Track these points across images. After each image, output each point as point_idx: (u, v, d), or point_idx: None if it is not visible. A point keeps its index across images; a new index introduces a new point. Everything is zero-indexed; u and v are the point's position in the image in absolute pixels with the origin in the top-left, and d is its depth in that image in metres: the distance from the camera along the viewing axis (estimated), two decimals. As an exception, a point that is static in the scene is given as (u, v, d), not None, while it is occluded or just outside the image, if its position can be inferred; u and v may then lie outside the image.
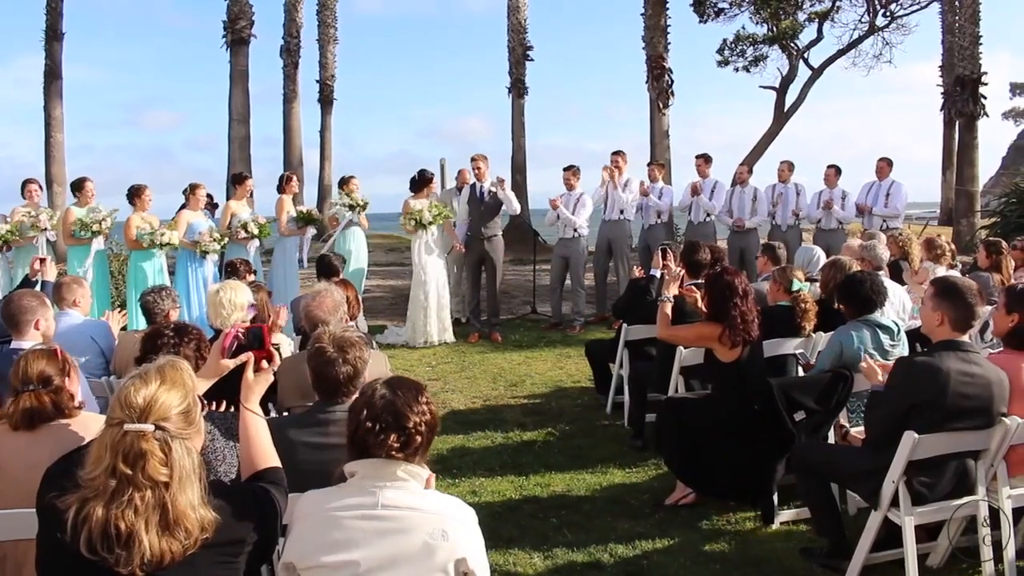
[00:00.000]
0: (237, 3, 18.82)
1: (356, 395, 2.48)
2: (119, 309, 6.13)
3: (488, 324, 10.39)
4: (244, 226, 9.50)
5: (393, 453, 2.31)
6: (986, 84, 17.47)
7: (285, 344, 5.26)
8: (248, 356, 2.66)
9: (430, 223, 9.82)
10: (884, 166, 11.14)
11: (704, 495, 5.09)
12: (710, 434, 4.89)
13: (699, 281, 5.96)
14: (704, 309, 5.29)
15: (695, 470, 5.02)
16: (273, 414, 3.96)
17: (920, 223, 20.72)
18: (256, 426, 2.57)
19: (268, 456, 2.54)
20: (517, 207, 10.41)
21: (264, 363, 2.67)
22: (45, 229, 9.06)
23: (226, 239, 9.47)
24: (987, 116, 17.67)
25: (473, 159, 10.17)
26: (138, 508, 1.99)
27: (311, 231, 10.34)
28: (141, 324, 6.06)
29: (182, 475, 2.04)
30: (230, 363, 2.72)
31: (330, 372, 3.24)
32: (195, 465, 2.09)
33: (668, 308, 5.32)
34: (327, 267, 7.22)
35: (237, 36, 18.89)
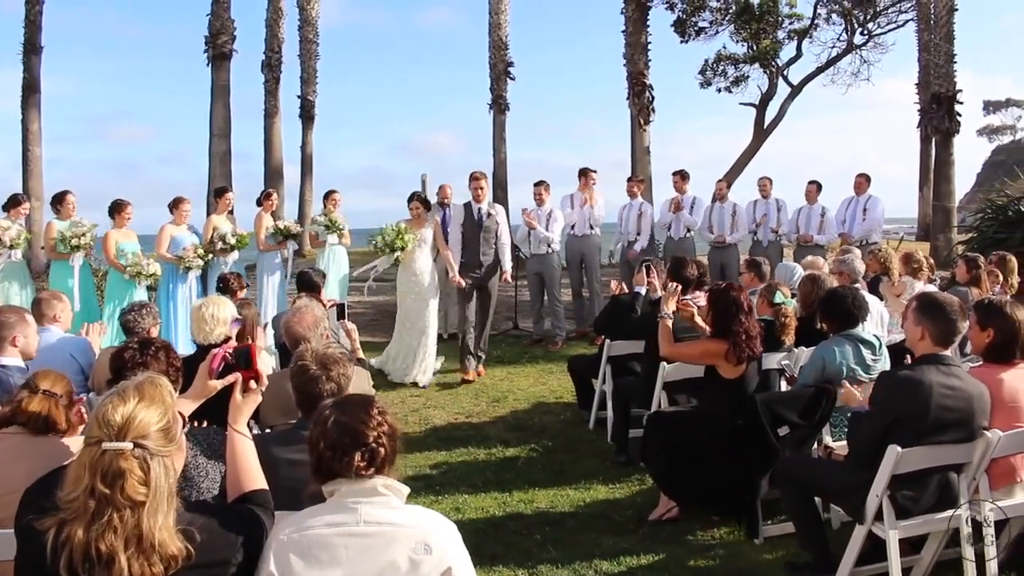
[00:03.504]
0: (219, 18, 18.74)
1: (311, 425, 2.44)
2: (99, 322, 6.05)
3: (475, 357, 9.32)
4: (222, 238, 9.48)
5: (362, 472, 2.29)
6: (961, 102, 17.71)
7: (266, 361, 5.22)
8: (236, 376, 2.64)
9: (384, 248, 9.01)
10: (862, 182, 11.25)
11: (689, 509, 5.10)
12: (697, 448, 4.90)
13: (696, 296, 5.97)
14: (702, 324, 5.31)
15: (680, 484, 5.03)
16: (255, 431, 3.92)
17: (896, 238, 20.90)
18: (244, 447, 2.54)
19: (255, 478, 2.50)
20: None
21: (252, 383, 2.65)
22: (10, 247, 8.92)
23: (210, 255, 9.44)
24: (960, 133, 17.92)
25: (474, 177, 9.09)
26: (117, 529, 1.95)
27: (292, 245, 10.32)
28: (121, 340, 5.98)
29: (158, 496, 2.01)
30: (217, 384, 2.70)
31: (314, 389, 3.23)
32: (172, 486, 2.05)
33: (669, 324, 5.32)
34: (307, 282, 7.18)
35: (219, 51, 18.80)
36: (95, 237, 9.19)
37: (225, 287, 6.94)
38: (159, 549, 1.98)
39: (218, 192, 10.59)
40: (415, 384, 8.90)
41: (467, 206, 9.14)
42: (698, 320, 5.51)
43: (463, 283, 8.99)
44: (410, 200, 9.22)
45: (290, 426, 3.40)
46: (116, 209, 9.20)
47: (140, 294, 8.95)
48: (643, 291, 6.69)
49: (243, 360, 2.67)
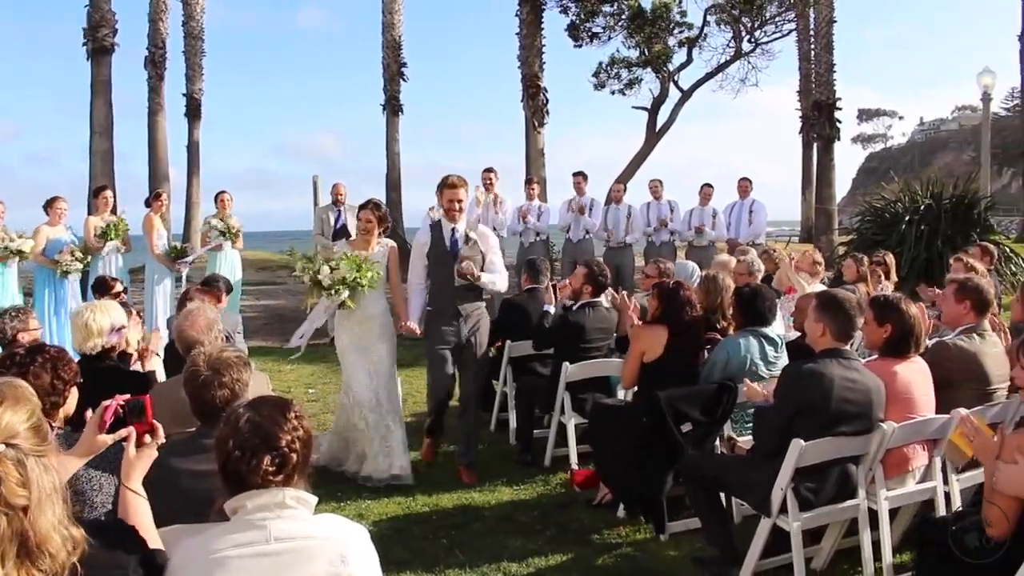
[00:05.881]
0: (99, 10, 17.93)
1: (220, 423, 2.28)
2: None
3: (465, 455, 6.08)
4: (100, 234, 9.07)
5: (270, 478, 2.14)
6: (840, 109, 18.56)
7: (160, 368, 4.95)
8: (129, 431, 2.43)
9: (332, 288, 5.69)
10: (745, 185, 11.66)
11: (615, 496, 5.26)
12: (616, 438, 5.08)
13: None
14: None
15: (607, 472, 5.26)
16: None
17: (783, 240, 21.69)
18: (138, 507, 2.34)
19: (151, 539, 2.30)
20: (502, 285, 6.14)
21: (147, 437, 2.45)
22: None
23: (88, 257, 8.97)
24: (840, 140, 18.81)
25: (450, 184, 5.88)
26: None
27: (184, 268, 9.93)
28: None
29: (41, 495, 1.82)
30: (108, 439, 2.48)
31: (207, 396, 3.04)
32: (56, 483, 1.87)
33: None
34: (207, 281, 6.89)
35: (99, 44, 17.98)
36: None
37: (103, 287, 6.55)
38: (44, 551, 1.80)
39: (96, 191, 10.14)
40: (369, 479, 5.83)
41: (436, 227, 6.03)
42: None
43: (416, 330, 6.05)
44: (362, 208, 6.12)
45: (189, 435, 3.20)
46: None
47: (12, 298, 8.44)
48: (551, 310, 6.59)
49: (137, 412, 2.46)
